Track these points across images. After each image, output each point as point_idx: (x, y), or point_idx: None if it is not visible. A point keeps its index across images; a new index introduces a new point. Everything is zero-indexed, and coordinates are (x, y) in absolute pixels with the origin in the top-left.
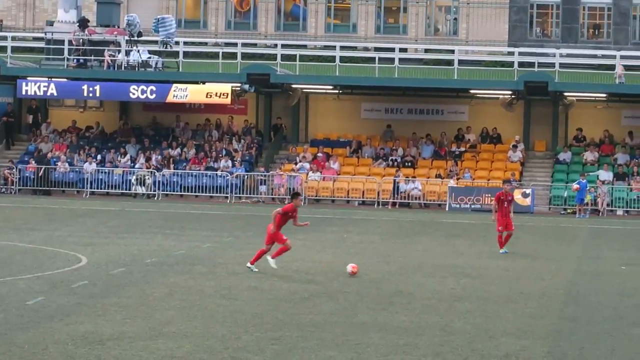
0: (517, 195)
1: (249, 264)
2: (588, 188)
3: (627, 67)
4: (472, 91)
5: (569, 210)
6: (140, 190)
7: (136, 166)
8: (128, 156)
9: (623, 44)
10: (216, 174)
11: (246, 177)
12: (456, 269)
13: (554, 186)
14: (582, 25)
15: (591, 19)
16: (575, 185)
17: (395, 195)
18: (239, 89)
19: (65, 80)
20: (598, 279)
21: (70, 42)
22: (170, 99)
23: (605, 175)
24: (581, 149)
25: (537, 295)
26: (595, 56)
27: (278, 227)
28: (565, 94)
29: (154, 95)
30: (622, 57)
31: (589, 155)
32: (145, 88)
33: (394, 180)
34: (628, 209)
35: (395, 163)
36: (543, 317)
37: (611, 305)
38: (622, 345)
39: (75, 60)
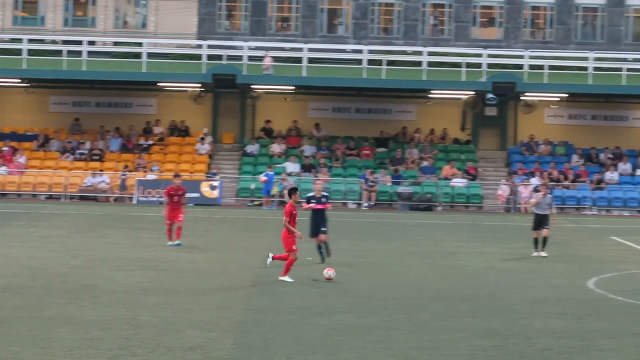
0: (205, 188)
1: (269, 256)
2: (275, 180)
3: (316, 60)
4: (160, 84)
5: (256, 202)
6: None
7: None
8: None
9: (311, 36)
10: None
11: None
12: (143, 262)
13: (241, 178)
14: (270, 18)
15: (279, 12)
16: (262, 177)
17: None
18: None
19: None
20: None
21: None
22: None
23: (292, 167)
24: (269, 141)
25: (224, 288)
26: (283, 49)
27: (292, 229)
28: (253, 86)
29: None
30: (309, 49)
31: (277, 147)
32: None
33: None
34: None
35: (83, 156)
36: (229, 309)
37: (297, 296)
38: (307, 335)
39: None
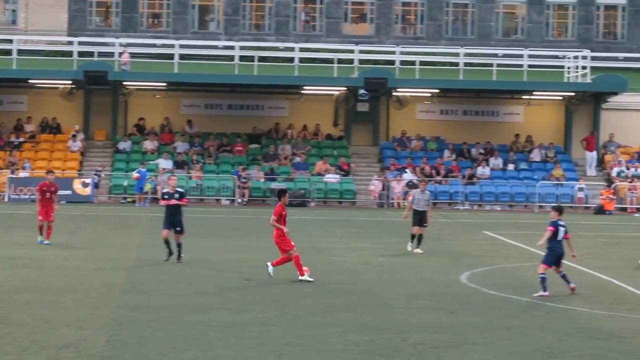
0: (77, 185)
1: (269, 265)
2: (148, 177)
3: (188, 56)
4: (31, 81)
5: (129, 199)
6: None
7: None
8: None
9: (182, 33)
10: None
11: None
12: (15, 260)
13: (114, 175)
14: (141, 14)
15: (150, 9)
16: (135, 174)
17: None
18: None
19: None
20: (158, 268)
21: None
22: None
23: (165, 163)
24: (141, 138)
25: (97, 285)
26: (155, 45)
27: (283, 232)
28: (124, 83)
29: None
30: (181, 46)
31: (149, 144)
32: None
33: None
34: (189, 197)
35: None
36: (103, 306)
37: (171, 293)
38: (181, 332)
39: None
